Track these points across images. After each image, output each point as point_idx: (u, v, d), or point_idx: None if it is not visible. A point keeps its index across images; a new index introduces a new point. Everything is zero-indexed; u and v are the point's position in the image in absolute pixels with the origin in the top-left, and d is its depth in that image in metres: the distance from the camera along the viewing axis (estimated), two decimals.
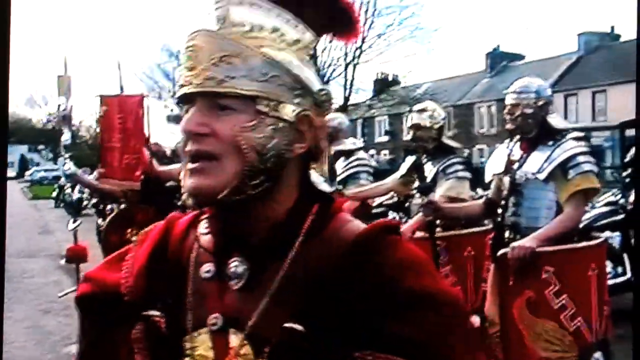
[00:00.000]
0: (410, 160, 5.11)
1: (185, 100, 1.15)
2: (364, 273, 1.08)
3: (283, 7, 1.17)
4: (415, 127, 4.96)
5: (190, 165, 1.12)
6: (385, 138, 45.19)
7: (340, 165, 5.65)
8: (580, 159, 3.83)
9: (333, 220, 1.17)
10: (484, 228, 4.55)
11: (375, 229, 1.15)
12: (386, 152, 37.28)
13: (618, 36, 40.81)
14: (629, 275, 6.95)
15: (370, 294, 1.06)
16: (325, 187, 1.19)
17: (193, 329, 1.15)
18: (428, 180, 4.60)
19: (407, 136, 5.10)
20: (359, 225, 1.18)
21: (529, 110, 3.94)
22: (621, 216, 7.21)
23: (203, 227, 1.23)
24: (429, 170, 4.81)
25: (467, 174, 4.87)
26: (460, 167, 4.84)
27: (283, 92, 1.12)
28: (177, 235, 1.25)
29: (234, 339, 1.12)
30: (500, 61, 45.20)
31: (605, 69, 36.26)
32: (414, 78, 31.83)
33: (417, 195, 4.51)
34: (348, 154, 5.73)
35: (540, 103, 3.96)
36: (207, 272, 1.17)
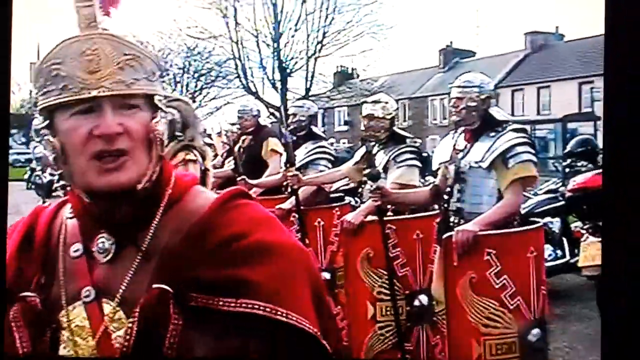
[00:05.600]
0: (364, 148, 5.12)
1: (83, 103, 1.15)
2: (220, 228, 1.14)
3: None
4: (369, 117, 4.97)
5: (103, 165, 1.14)
6: (345, 128, 45.15)
7: (302, 151, 5.64)
8: (519, 149, 3.89)
9: (187, 193, 1.24)
10: (431, 213, 4.58)
11: (229, 193, 1.23)
12: (345, 141, 37.27)
13: (562, 36, 41.31)
14: (567, 257, 7.11)
15: (225, 246, 1.12)
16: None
17: (67, 303, 1.19)
18: (379, 168, 4.62)
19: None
20: (212, 194, 1.26)
21: (472, 103, 3.99)
22: (561, 203, 7.32)
23: (68, 212, 1.27)
24: (381, 158, 4.82)
25: (417, 163, 4.88)
26: (410, 155, 4.85)
27: (162, 87, 1.21)
28: (43, 223, 1.29)
29: (107, 307, 1.17)
30: (452, 58, 45.40)
31: (550, 67, 36.73)
32: (371, 72, 31.69)
33: (367, 181, 4.51)
34: (314, 140, 5.73)
35: (483, 96, 4.00)
36: (76, 251, 1.22)
